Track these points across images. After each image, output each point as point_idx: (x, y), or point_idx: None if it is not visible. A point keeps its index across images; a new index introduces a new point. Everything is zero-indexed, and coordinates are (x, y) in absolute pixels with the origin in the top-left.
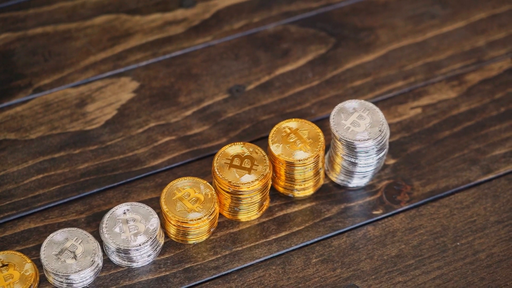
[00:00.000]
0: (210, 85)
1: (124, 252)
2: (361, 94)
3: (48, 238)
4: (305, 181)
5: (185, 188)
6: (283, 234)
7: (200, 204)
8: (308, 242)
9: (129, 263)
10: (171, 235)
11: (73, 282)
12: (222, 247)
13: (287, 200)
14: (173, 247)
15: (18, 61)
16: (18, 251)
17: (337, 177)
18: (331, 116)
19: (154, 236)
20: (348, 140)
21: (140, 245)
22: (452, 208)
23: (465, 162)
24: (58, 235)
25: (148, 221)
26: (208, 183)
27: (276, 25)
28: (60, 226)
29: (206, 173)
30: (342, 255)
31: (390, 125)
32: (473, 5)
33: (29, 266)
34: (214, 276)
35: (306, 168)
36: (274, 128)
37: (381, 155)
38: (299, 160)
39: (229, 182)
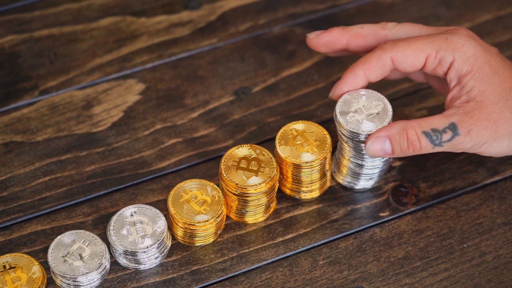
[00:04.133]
0: (216, 87)
1: (131, 254)
2: None
3: (56, 240)
4: (311, 183)
5: (192, 190)
6: (290, 236)
7: (207, 206)
8: (315, 244)
9: (136, 265)
10: (178, 237)
11: (81, 284)
12: (229, 249)
13: (294, 202)
14: (180, 249)
15: (24, 63)
16: (25, 253)
17: (343, 179)
18: (336, 109)
19: (161, 238)
20: (354, 131)
21: (147, 247)
22: (458, 210)
23: (471, 164)
24: (65, 237)
25: (155, 223)
26: (215, 185)
27: (282, 27)
28: (67, 228)
29: (213, 175)
30: (349, 257)
31: None
32: (478, 7)
33: (36, 269)
34: (221, 278)
35: (313, 170)
36: (281, 130)
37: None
38: (306, 162)
39: (236, 184)
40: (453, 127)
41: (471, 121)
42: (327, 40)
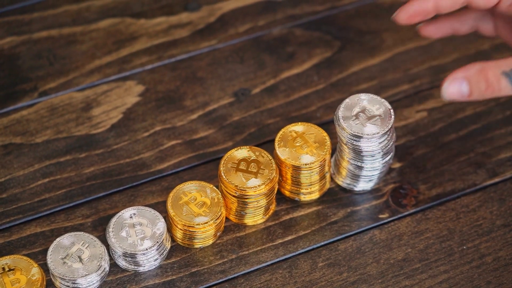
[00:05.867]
0: (215, 88)
1: (131, 257)
2: None
3: (55, 242)
4: (311, 185)
5: (191, 192)
6: (289, 238)
7: (206, 208)
8: (315, 246)
9: (135, 267)
10: (178, 239)
11: (80, 286)
12: (228, 251)
13: (293, 204)
14: (179, 251)
15: (23, 64)
16: (24, 255)
17: (343, 180)
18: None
19: (161, 240)
20: (358, 135)
21: (146, 249)
22: (458, 211)
23: (471, 166)
24: (64, 239)
25: (154, 225)
26: (214, 187)
27: (281, 28)
28: (66, 230)
29: (212, 177)
30: (349, 259)
31: (396, 128)
32: None
33: (35, 271)
34: (220, 280)
35: (312, 172)
36: (280, 132)
37: (387, 158)
38: (306, 164)
39: (236, 186)
40: None
41: None
42: (415, 9)
